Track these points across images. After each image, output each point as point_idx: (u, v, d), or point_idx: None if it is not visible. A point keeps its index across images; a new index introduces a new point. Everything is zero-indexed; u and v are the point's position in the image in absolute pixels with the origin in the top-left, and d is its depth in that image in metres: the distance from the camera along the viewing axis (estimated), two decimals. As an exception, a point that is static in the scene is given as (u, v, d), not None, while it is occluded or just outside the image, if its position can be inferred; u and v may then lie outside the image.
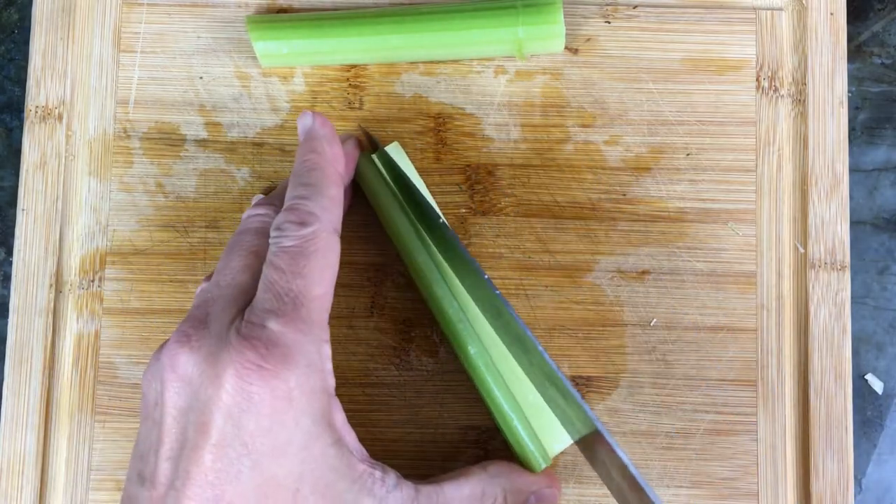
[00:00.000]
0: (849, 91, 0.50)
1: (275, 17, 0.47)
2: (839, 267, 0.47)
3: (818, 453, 0.46)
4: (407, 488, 0.39)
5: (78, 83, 0.48)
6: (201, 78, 0.48)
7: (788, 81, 0.48)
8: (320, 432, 0.37)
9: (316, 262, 0.38)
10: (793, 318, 0.47)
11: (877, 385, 0.49)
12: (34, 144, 0.48)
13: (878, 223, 0.50)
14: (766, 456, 0.46)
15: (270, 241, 0.38)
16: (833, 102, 0.48)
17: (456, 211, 0.47)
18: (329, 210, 0.39)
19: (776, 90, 0.48)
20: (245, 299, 0.38)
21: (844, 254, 0.47)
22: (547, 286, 0.47)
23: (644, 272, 0.47)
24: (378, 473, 0.38)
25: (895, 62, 0.51)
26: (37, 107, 0.48)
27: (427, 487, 0.40)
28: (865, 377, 0.49)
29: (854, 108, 0.50)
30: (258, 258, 0.39)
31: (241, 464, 0.35)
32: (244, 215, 0.42)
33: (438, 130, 0.48)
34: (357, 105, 0.48)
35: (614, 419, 0.46)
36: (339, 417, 0.38)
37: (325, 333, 0.38)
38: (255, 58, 0.48)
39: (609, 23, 0.49)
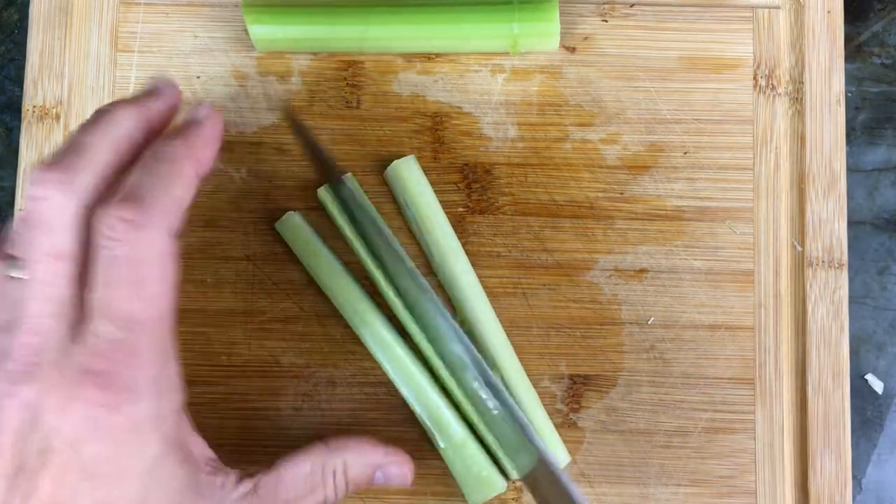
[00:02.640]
0: (848, 91, 0.50)
1: (271, 1, 0.47)
2: (837, 265, 0.47)
3: (816, 451, 0.46)
4: (244, 485, 0.37)
5: (75, 83, 0.48)
6: (198, 77, 0.48)
7: (786, 80, 0.48)
8: (167, 453, 0.35)
9: (155, 272, 0.34)
10: (790, 317, 0.47)
11: (877, 385, 0.49)
12: (31, 144, 0.48)
13: (877, 223, 0.50)
14: (764, 454, 0.46)
15: (97, 239, 0.33)
16: (830, 101, 0.48)
17: (453, 210, 0.47)
18: (170, 212, 0.35)
19: (773, 88, 0.48)
20: (73, 314, 0.34)
21: (842, 252, 0.47)
22: (544, 285, 0.47)
23: (642, 271, 0.47)
24: (219, 480, 0.37)
25: (895, 62, 0.51)
26: (34, 107, 0.48)
27: (266, 477, 0.38)
28: (865, 377, 0.49)
29: (854, 108, 0.50)
30: (78, 264, 0.34)
31: (80, 489, 0.33)
32: (27, 193, 0.34)
33: (436, 129, 0.48)
34: (354, 104, 0.48)
35: (612, 417, 0.46)
36: (186, 430, 0.37)
37: (171, 351, 0.35)
38: (253, 57, 0.48)
39: (606, 21, 0.49)
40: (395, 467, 0.42)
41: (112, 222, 0.33)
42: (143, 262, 0.34)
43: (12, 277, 0.34)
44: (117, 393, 0.33)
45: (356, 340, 0.47)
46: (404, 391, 0.45)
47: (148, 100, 0.38)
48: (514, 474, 0.44)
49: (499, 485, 0.44)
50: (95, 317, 0.33)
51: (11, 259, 0.35)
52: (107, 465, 0.33)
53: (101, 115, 0.36)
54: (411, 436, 0.46)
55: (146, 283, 0.34)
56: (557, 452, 0.45)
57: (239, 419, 0.46)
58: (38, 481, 0.33)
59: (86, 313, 0.34)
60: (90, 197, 0.34)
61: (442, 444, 0.44)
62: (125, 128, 0.36)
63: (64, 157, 0.35)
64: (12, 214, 0.48)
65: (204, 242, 0.47)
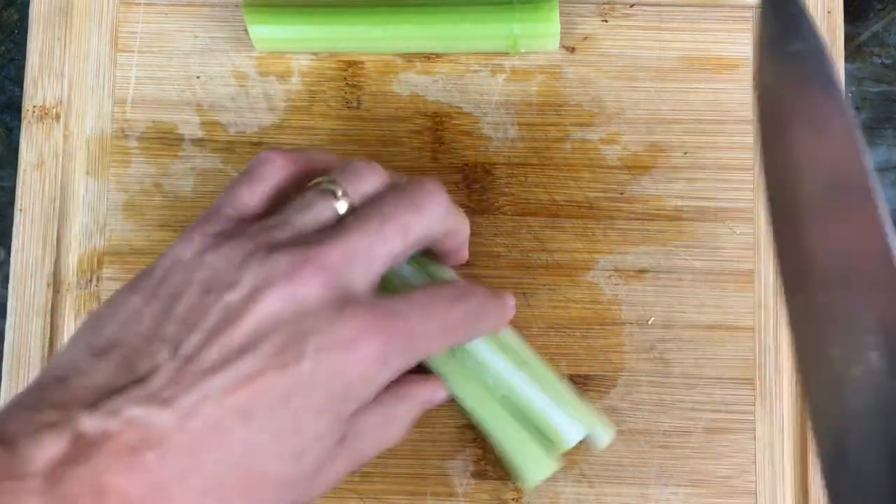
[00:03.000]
0: (849, 91, 0.50)
1: (271, 1, 0.47)
2: (837, 265, 0.47)
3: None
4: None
5: (75, 83, 0.48)
6: (198, 77, 0.48)
7: (786, 79, 0.48)
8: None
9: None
10: (791, 316, 0.47)
11: (877, 385, 0.49)
12: (31, 144, 0.48)
13: (878, 223, 0.50)
14: (764, 454, 0.46)
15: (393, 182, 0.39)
16: (830, 100, 0.48)
17: (453, 210, 0.47)
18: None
19: (773, 88, 0.48)
20: (373, 279, 0.37)
21: (842, 252, 0.47)
22: (544, 285, 0.47)
23: (642, 271, 0.47)
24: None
25: (895, 62, 0.51)
26: (34, 106, 0.48)
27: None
28: (866, 377, 0.49)
29: (854, 108, 0.50)
30: (408, 247, 0.38)
31: (294, 402, 0.33)
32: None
33: (436, 129, 0.48)
34: (355, 104, 0.48)
35: (612, 417, 0.46)
36: None
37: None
38: (253, 57, 0.48)
39: (606, 21, 0.49)
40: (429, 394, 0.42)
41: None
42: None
43: (324, 192, 0.37)
44: (397, 338, 0.35)
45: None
46: (448, 379, 0.43)
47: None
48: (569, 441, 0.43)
49: (554, 463, 0.44)
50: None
51: (334, 184, 0.38)
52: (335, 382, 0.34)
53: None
54: (412, 436, 0.46)
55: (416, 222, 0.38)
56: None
57: (239, 419, 0.46)
58: (266, 370, 0.33)
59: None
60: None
61: (493, 427, 0.43)
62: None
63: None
64: (11, 215, 0.48)
65: (204, 242, 0.47)
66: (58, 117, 0.48)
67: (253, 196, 0.38)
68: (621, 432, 0.46)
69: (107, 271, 0.47)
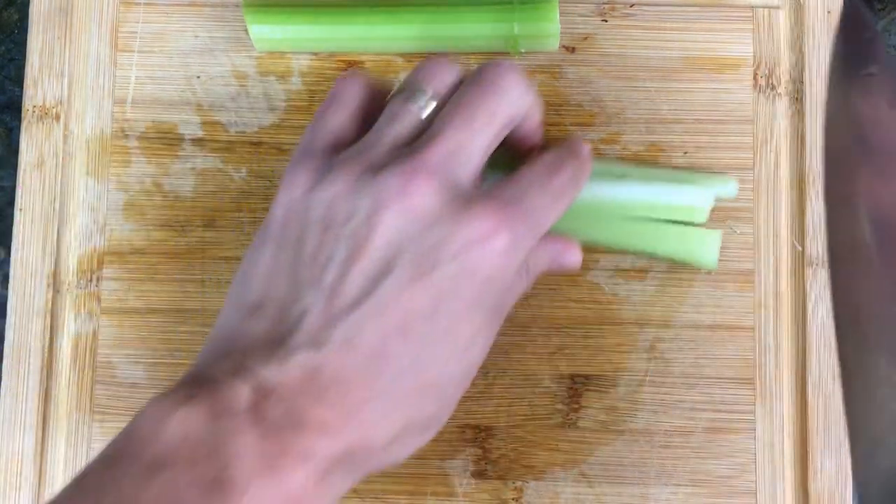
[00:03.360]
0: (848, 91, 0.50)
1: (271, 1, 0.47)
2: (837, 264, 0.47)
3: (816, 451, 0.46)
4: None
5: (75, 83, 0.48)
6: (199, 77, 0.48)
7: (786, 79, 0.48)
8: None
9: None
10: (791, 316, 0.47)
11: (877, 385, 0.49)
12: (31, 144, 0.48)
13: (878, 223, 0.50)
14: (764, 454, 0.46)
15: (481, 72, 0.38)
16: (830, 100, 0.48)
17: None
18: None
19: (773, 88, 0.48)
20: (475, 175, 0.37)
21: (842, 251, 0.47)
22: (545, 285, 0.47)
23: (642, 271, 0.47)
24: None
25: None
26: (34, 106, 0.48)
27: None
28: (866, 377, 0.49)
29: (854, 107, 0.50)
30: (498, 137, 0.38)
31: (442, 316, 0.35)
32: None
33: (436, 129, 0.48)
34: (354, 104, 0.48)
35: (612, 417, 0.46)
36: None
37: None
38: (253, 57, 0.48)
39: (606, 21, 0.49)
40: (570, 255, 0.43)
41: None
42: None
43: (406, 99, 0.38)
44: (522, 232, 0.36)
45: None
46: (577, 232, 0.45)
47: None
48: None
49: (717, 233, 0.46)
50: (525, 177, 0.38)
51: (406, 86, 0.39)
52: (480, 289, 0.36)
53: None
54: (411, 436, 0.46)
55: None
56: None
57: (239, 419, 0.46)
58: (414, 288, 0.34)
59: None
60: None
61: (643, 246, 0.46)
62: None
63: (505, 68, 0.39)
64: (11, 215, 0.48)
65: (204, 242, 0.47)
66: (58, 117, 0.48)
67: (342, 120, 0.39)
68: (621, 432, 0.46)
69: (107, 271, 0.47)
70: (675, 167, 0.47)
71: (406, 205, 0.34)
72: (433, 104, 0.38)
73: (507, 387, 0.47)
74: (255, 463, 0.31)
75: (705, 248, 0.46)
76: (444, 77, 0.39)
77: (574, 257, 0.43)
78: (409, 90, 0.38)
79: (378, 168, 0.35)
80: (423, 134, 0.37)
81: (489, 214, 0.35)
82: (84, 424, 0.47)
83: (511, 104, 0.38)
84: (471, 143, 0.36)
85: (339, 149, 0.38)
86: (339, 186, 0.35)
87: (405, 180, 0.34)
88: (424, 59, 0.40)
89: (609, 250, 0.47)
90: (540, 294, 0.47)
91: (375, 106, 0.40)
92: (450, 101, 0.38)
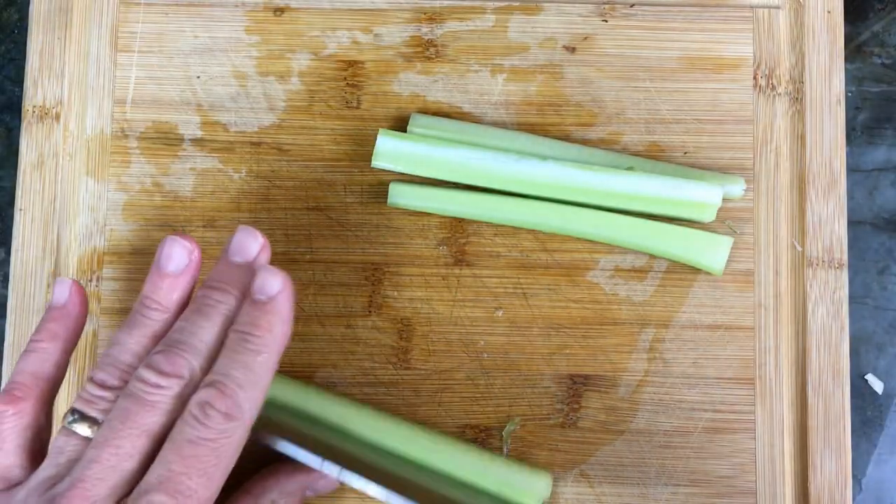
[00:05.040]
0: (849, 91, 0.50)
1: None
2: (837, 265, 0.47)
3: (816, 451, 0.46)
4: None
5: (75, 83, 0.48)
6: (198, 77, 0.48)
7: (786, 79, 0.48)
8: None
9: (225, 463, 0.35)
10: (790, 317, 0.47)
11: (877, 385, 0.49)
12: (31, 144, 0.48)
13: (877, 223, 0.50)
14: (764, 454, 0.46)
15: (187, 417, 0.35)
16: (830, 100, 0.48)
17: (453, 210, 0.47)
18: (257, 406, 0.36)
19: (773, 88, 0.48)
20: (124, 488, 0.35)
21: (842, 252, 0.47)
22: (545, 285, 0.47)
23: (642, 270, 0.47)
24: None
25: (895, 62, 0.51)
26: (34, 107, 0.48)
27: None
28: (865, 377, 0.49)
29: (854, 108, 0.50)
30: (153, 441, 0.36)
31: None
32: (142, 376, 0.36)
33: (436, 129, 0.48)
34: (354, 104, 0.48)
35: (612, 417, 0.46)
36: None
37: None
38: (252, 57, 0.48)
39: (606, 21, 0.49)
40: (321, 481, 0.44)
41: (207, 410, 0.35)
42: (222, 450, 0.35)
43: (75, 433, 0.36)
44: None
45: (354, 340, 0.47)
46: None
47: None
48: None
49: (728, 238, 0.46)
50: (153, 490, 0.34)
51: (80, 415, 0.36)
52: None
53: (208, 297, 0.38)
54: (411, 436, 0.46)
55: (216, 469, 0.35)
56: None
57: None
58: None
59: (141, 486, 0.34)
60: (196, 382, 0.37)
61: (658, 250, 0.46)
62: (231, 309, 0.38)
63: (177, 346, 0.37)
64: (12, 215, 0.48)
65: (204, 242, 0.47)
66: (58, 117, 0.48)
67: (6, 456, 0.38)
68: (621, 432, 0.46)
69: (107, 271, 0.47)
70: (682, 165, 0.47)
71: None
72: (85, 429, 0.37)
73: (507, 387, 0.47)
74: None
75: (714, 252, 0.46)
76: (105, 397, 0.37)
77: (325, 482, 0.43)
78: (69, 414, 0.37)
79: None
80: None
81: None
82: (84, 424, 0.47)
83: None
84: (100, 482, 0.35)
85: (14, 487, 0.37)
86: None
87: None
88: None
89: (611, 249, 0.47)
90: (540, 294, 0.47)
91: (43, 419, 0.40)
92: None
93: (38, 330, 0.40)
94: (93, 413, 0.36)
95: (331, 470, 0.39)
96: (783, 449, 0.46)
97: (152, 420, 0.35)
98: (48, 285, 0.47)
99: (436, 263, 0.47)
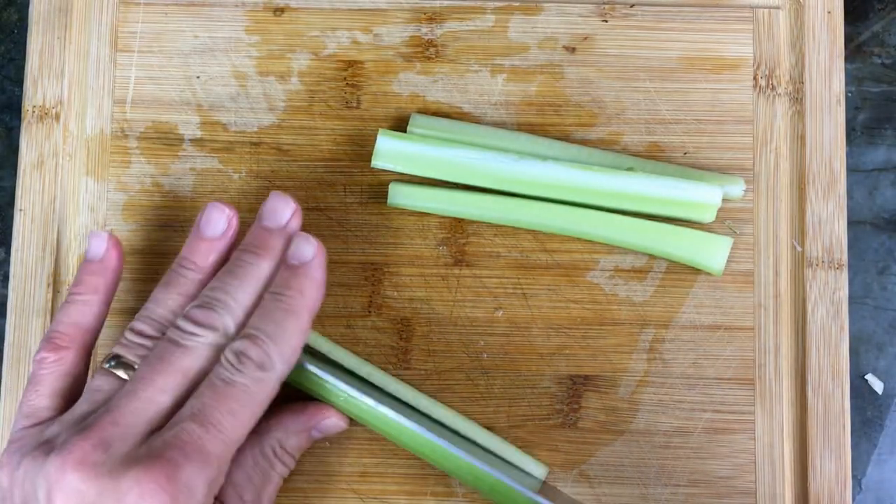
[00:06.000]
0: (849, 91, 0.50)
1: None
2: (836, 265, 0.47)
3: (816, 452, 0.46)
4: None
5: (75, 83, 0.48)
6: (198, 77, 0.48)
7: (786, 80, 0.48)
8: None
9: (254, 409, 0.38)
10: (790, 317, 0.47)
11: (877, 385, 0.49)
12: (31, 144, 0.48)
13: (877, 223, 0.50)
14: (763, 454, 0.46)
15: (222, 362, 0.38)
16: (830, 100, 0.48)
17: (453, 210, 0.47)
18: (289, 361, 0.39)
19: (773, 88, 0.48)
20: (158, 422, 0.37)
21: (842, 252, 0.47)
22: (545, 285, 0.47)
23: (642, 271, 0.47)
24: None
25: (895, 62, 0.51)
26: (34, 107, 0.48)
27: (224, 492, 0.40)
28: (865, 377, 0.49)
29: (854, 108, 0.50)
30: (187, 381, 0.38)
31: None
32: (179, 324, 0.39)
33: (436, 129, 0.48)
34: (354, 104, 0.48)
35: (612, 417, 0.46)
36: None
37: (225, 468, 0.38)
38: (252, 57, 0.48)
39: (606, 21, 0.49)
40: (326, 421, 0.44)
41: (241, 358, 0.38)
42: (253, 396, 0.37)
43: (113, 374, 0.39)
44: (178, 488, 0.35)
45: (354, 340, 0.47)
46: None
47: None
48: None
49: (728, 240, 0.46)
50: (187, 419, 0.36)
51: (118, 360, 0.39)
52: None
53: (241, 259, 0.41)
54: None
55: (245, 411, 0.37)
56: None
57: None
58: None
59: (175, 417, 0.37)
60: (230, 338, 0.39)
61: (658, 250, 0.46)
62: (264, 272, 0.41)
63: (214, 300, 0.39)
64: (12, 215, 0.48)
65: (204, 242, 0.47)
66: (58, 117, 0.48)
67: (40, 399, 0.40)
68: (621, 432, 0.46)
69: (107, 271, 0.47)
70: (682, 165, 0.47)
71: (70, 488, 0.35)
72: (122, 373, 0.39)
73: (507, 387, 0.47)
74: None
75: (714, 252, 0.46)
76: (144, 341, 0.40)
77: (331, 420, 0.44)
78: (108, 359, 0.40)
79: (47, 449, 0.36)
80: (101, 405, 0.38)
81: (141, 480, 0.35)
82: (84, 424, 0.47)
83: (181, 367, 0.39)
84: (134, 412, 0.37)
85: (44, 425, 0.39)
86: (22, 473, 0.37)
87: (64, 463, 0.35)
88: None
89: (611, 250, 0.47)
90: (540, 294, 0.47)
91: (83, 368, 0.42)
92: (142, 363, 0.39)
93: (76, 282, 0.42)
94: (131, 357, 0.39)
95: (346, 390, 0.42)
96: (783, 449, 0.46)
97: (187, 362, 0.38)
98: (48, 285, 0.47)
99: (435, 264, 0.47)
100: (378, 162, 0.46)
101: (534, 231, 0.47)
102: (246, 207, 0.48)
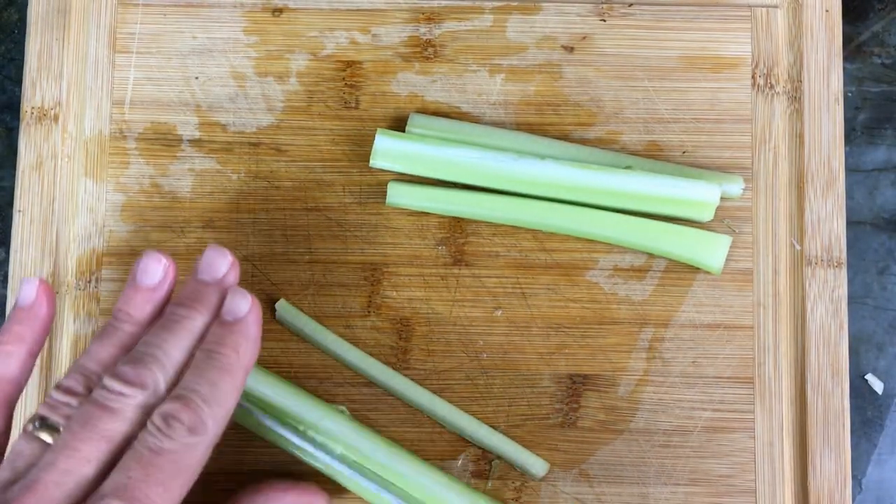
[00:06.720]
0: (849, 91, 0.50)
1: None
2: (835, 264, 0.47)
3: (816, 450, 0.45)
4: None
5: (74, 84, 0.48)
6: (197, 78, 0.48)
7: (784, 79, 0.48)
8: None
9: (186, 477, 0.35)
10: (789, 316, 0.47)
11: (877, 385, 0.49)
12: (30, 145, 0.48)
13: (877, 223, 0.50)
14: (763, 453, 0.46)
15: (149, 427, 0.35)
16: (829, 99, 0.48)
17: (452, 210, 0.47)
18: (222, 424, 0.37)
19: (772, 87, 0.48)
20: (81, 495, 0.34)
21: (841, 251, 0.47)
22: (544, 285, 0.47)
23: (641, 270, 0.47)
24: None
25: (895, 62, 0.51)
26: (33, 108, 0.48)
27: None
28: (865, 377, 0.49)
29: (854, 108, 0.50)
30: (113, 447, 0.35)
31: None
32: (106, 384, 0.36)
33: (434, 129, 0.48)
34: (353, 104, 0.48)
35: (612, 417, 0.46)
36: None
37: None
38: (251, 58, 0.48)
39: (605, 21, 0.49)
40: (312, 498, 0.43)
41: (171, 422, 0.35)
42: (183, 464, 0.35)
43: (37, 438, 0.36)
44: None
45: (354, 340, 0.47)
46: None
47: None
48: None
49: (727, 238, 0.46)
50: (109, 496, 0.33)
51: (42, 421, 0.36)
52: None
53: (175, 314, 0.38)
54: (411, 436, 0.46)
55: (176, 482, 0.35)
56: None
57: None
58: None
59: (97, 492, 0.34)
60: (160, 396, 0.36)
61: (655, 248, 0.47)
62: (198, 327, 0.38)
63: (146, 355, 0.37)
64: (12, 215, 0.48)
65: (203, 243, 0.47)
66: (56, 118, 0.48)
67: None
68: (621, 432, 0.46)
69: (106, 272, 0.47)
70: (680, 164, 0.47)
71: None
72: (46, 436, 0.36)
73: (506, 386, 0.47)
74: None
75: (713, 251, 0.46)
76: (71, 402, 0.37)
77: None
78: (32, 420, 0.36)
79: None
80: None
81: None
82: (83, 425, 0.46)
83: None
84: (57, 486, 0.34)
85: None
86: None
87: None
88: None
89: (610, 249, 0.47)
90: (539, 293, 0.47)
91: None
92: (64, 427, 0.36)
93: (2, 331, 0.39)
94: (55, 418, 0.36)
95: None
96: (782, 448, 0.46)
97: (113, 427, 0.35)
98: (47, 286, 0.47)
99: (435, 263, 0.47)
100: (377, 162, 0.46)
101: (533, 230, 0.47)
102: (245, 208, 0.48)
